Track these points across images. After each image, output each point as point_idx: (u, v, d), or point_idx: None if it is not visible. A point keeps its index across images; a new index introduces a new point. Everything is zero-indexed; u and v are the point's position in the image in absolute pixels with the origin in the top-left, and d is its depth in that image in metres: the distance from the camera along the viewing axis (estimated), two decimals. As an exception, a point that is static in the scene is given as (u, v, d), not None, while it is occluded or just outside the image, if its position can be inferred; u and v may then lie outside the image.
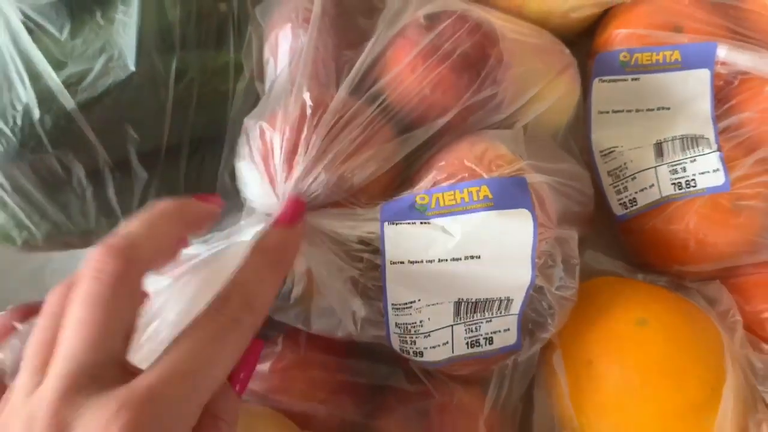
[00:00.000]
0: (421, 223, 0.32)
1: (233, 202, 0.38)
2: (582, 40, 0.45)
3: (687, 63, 0.40)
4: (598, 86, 0.42)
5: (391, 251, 0.31)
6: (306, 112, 0.32)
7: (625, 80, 0.41)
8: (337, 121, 0.32)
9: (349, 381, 0.37)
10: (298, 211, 0.31)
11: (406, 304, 0.33)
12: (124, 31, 0.36)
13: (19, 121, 0.33)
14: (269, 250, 0.28)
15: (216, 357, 0.25)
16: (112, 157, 0.36)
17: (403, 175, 0.34)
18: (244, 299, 0.26)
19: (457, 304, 0.34)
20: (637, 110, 0.41)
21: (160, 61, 0.36)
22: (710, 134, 0.39)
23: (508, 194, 0.32)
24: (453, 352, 0.35)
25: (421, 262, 0.32)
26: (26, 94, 0.34)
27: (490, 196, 0.31)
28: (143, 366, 0.25)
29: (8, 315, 0.39)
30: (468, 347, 0.35)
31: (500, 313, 0.34)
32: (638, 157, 0.40)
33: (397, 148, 0.33)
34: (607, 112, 0.42)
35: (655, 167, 0.39)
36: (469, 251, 0.31)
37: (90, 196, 0.36)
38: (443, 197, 0.32)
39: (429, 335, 0.34)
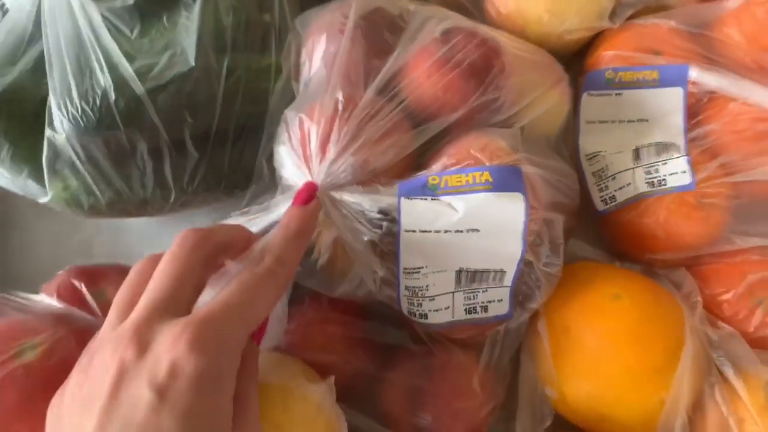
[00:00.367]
0: (432, 199, 0.38)
1: (266, 182, 0.44)
2: (575, 59, 0.51)
3: (663, 81, 0.46)
4: (586, 99, 0.48)
5: (405, 221, 0.37)
6: (338, 108, 0.38)
7: (610, 95, 0.48)
8: (364, 116, 0.38)
9: (363, 338, 0.43)
10: (310, 194, 0.37)
11: (415, 269, 0.39)
12: (187, 33, 0.42)
13: (98, 102, 0.40)
14: (292, 222, 0.34)
15: (258, 297, 0.31)
16: (171, 138, 0.42)
17: (417, 162, 0.41)
18: (276, 257, 0.32)
19: (458, 273, 0.40)
20: (620, 121, 0.48)
21: (214, 60, 0.43)
22: (681, 142, 0.45)
23: (506, 179, 0.38)
24: (453, 317, 0.41)
25: (430, 231, 0.38)
26: (104, 80, 0.40)
27: (491, 180, 0.38)
28: None
29: (66, 274, 0.45)
30: (466, 313, 0.41)
31: (495, 284, 0.40)
32: (618, 160, 0.46)
33: (413, 139, 0.40)
34: (594, 122, 0.48)
35: (632, 168, 0.45)
36: (470, 225, 0.37)
37: (150, 169, 0.43)
38: (451, 179, 0.38)
39: (433, 299, 0.40)
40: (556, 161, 0.45)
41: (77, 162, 0.41)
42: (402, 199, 0.38)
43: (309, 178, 0.38)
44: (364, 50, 0.41)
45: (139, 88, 0.40)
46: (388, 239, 0.38)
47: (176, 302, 0.30)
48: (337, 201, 0.38)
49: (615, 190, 0.46)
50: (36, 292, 0.44)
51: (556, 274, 0.41)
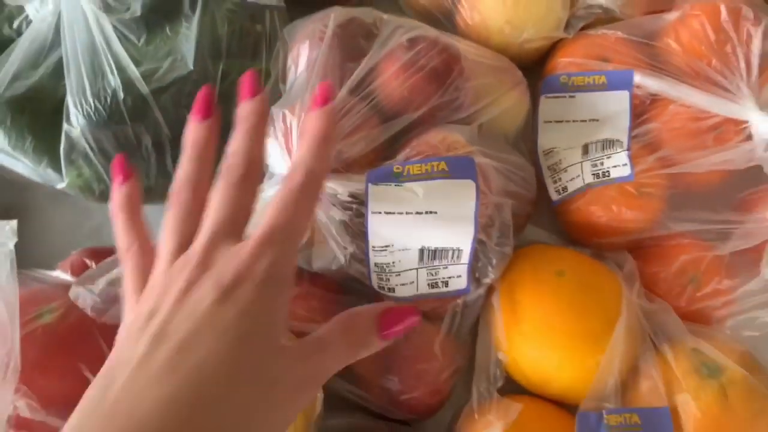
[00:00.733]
0: (396, 185, 0.43)
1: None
2: (536, 66, 0.57)
3: (611, 85, 0.52)
4: (544, 101, 0.54)
5: (372, 203, 0.43)
6: (317, 104, 0.44)
7: (564, 97, 0.53)
8: (339, 112, 0.44)
9: (340, 310, 0.49)
10: (328, 95, 0.37)
11: (382, 247, 0.45)
12: (186, 41, 0.48)
13: (108, 101, 0.46)
14: (313, 130, 0.36)
15: (297, 212, 0.34)
16: (172, 132, 0.48)
17: (386, 153, 0.46)
18: (305, 170, 0.34)
19: (421, 251, 0.45)
20: (573, 120, 0.53)
21: (211, 64, 0.49)
22: (624, 139, 0.50)
23: (460, 168, 0.44)
24: (417, 291, 0.47)
25: (394, 213, 0.43)
26: (114, 82, 0.46)
27: (446, 169, 0.43)
28: None
29: (79, 254, 0.51)
30: (429, 288, 0.47)
31: (454, 261, 0.46)
32: (570, 155, 0.52)
33: (381, 133, 0.45)
34: (551, 122, 0.54)
35: (581, 162, 0.51)
36: (429, 207, 0.43)
37: (153, 160, 0.48)
38: (413, 168, 0.44)
39: (399, 274, 0.46)
40: (512, 155, 0.50)
41: (90, 153, 0.47)
42: (370, 185, 0.44)
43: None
44: (341, 55, 0.47)
45: (144, 88, 0.47)
46: (358, 220, 0.44)
47: (236, 227, 0.33)
48: (313, 186, 0.44)
49: (566, 182, 0.52)
50: (53, 269, 0.50)
51: (507, 253, 0.47)
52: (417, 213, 0.43)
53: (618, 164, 0.49)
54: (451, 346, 0.48)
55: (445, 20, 0.57)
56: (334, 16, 0.48)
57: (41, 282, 0.47)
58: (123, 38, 0.48)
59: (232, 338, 0.29)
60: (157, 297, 0.31)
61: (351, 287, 0.49)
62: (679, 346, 0.45)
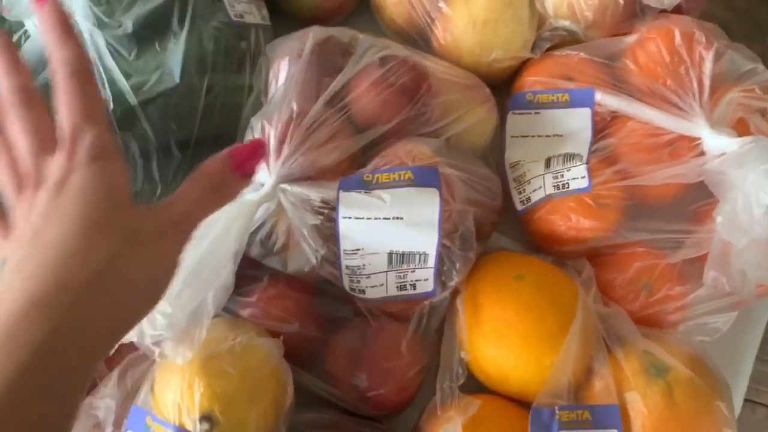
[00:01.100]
0: (365, 192, 0.47)
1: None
2: (505, 85, 0.60)
3: (574, 103, 0.55)
4: (511, 118, 0.57)
5: (343, 209, 0.46)
6: (293, 116, 0.48)
7: (530, 113, 0.56)
8: (314, 123, 0.48)
9: (314, 311, 0.51)
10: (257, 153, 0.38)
11: (353, 250, 0.48)
12: (174, 56, 0.51)
13: (99, 111, 0.49)
14: (47, 22, 0.35)
15: (84, 95, 0.34)
16: (158, 141, 0.51)
17: (359, 162, 0.50)
18: (61, 60, 0.34)
19: (390, 254, 0.48)
20: (539, 135, 0.56)
21: (196, 79, 0.52)
22: (585, 153, 0.53)
23: (425, 177, 0.47)
24: (387, 293, 0.50)
25: (363, 218, 0.46)
26: (105, 93, 0.49)
27: (412, 178, 0.47)
28: None
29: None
30: (398, 290, 0.50)
31: (420, 265, 0.49)
32: (534, 167, 0.55)
33: (354, 143, 0.49)
34: (517, 137, 0.57)
35: (543, 174, 0.54)
36: (395, 213, 0.46)
37: (140, 167, 0.51)
38: (382, 176, 0.47)
39: (369, 277, 0.49)
40: (479, 167, 0.54)
41: (81, 159, 0.50)
42: (341, 191, 0.47)
43: (268, 173, 0.47)
44: (317, 70, 0.50)
45: (133, 100, 0.50)
46: (329, 224, 0.47)
47: (44, 138, 0.34)
48: (288, 191, 0.47)
49: (530, 193, 0.55)
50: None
51: (471, 258, 0.49)
52: (385, 218, 0.46)
53: (577, 176, 0.52)
54: (418, 346, 0.50)
55: (421, 40, 0.61)
56: (312, 34, 0.52)
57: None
58: (115, 53, 0.51)
59: (72, 214, 0.31)
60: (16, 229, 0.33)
61: (324, 289, 0.52)
62: (631, 348, 0.48)
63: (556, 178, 0.53)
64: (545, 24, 0.58)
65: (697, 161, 0.51)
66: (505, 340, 0.48)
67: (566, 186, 0.53)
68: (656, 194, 0.52)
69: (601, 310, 0.50)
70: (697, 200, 0.51)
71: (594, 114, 0.55)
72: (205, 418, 0.41)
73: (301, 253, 0.49)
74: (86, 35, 0.51)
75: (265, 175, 0.48)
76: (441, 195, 0.46)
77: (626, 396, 0.46)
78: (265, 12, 0.61)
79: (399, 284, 0.49)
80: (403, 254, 0.48)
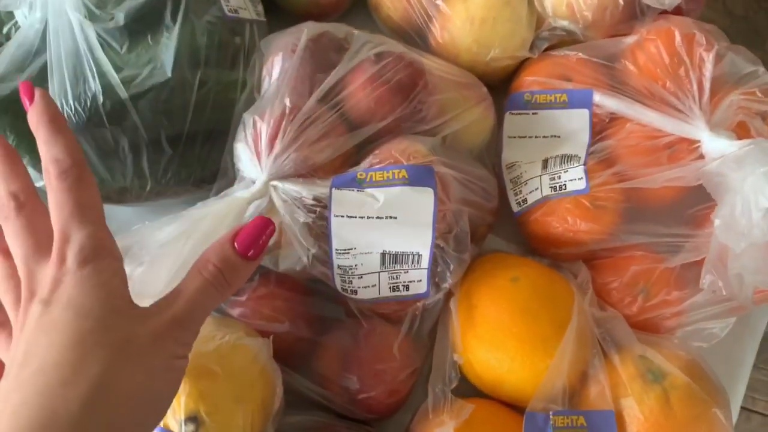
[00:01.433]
0: (358, 190, 0.46)
1: (230, 178, 0.52)
2: (503, 84, 0.60)
3: (572, 103, 0.54)
4: (509, 118, 0.56)
5: (335, 207, 0.45)
6: (285, 112, 0.47)
7: (528, 114, 0.56)
8: (307, 119, 0.47)
9: (305, 311, 0.51)
10: (31, 91, 0.38)
11: (345, 250, 0.47)
12: (166, 50, 0.51)
13: (88, 104, 0.48)
14: (40, 122, 0.36)
15: (73, 196, 0.34)
16: (148, 136, 0.50)
17: (353, 160, 0.49)
18: (52, 159, 0.35)
19: (383, 255, 0.47)
20: (536, 136, 0.56)
21: (189, 73, 0.51)
22: (582, 154, 0.53)
23: (419, 176, 0.46)
24: (379, 293, 0.49)
25: (355, 217, 0.45)
26: (95, 86, 0.48)
27: (407, 176, 0.46)
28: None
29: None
30: (390, 291, 0.49)
31: (414, 266, 0.48)
32: (530, 168, 0.54)
33: (348, 141, 0.48)
34: (515, 137, 0.56)
35: (540, 176, 0.53)
36: (389, 212, 0.45)
37: (129, 162, 0.51)
38: (375, 175, 0.46)
39: (362, 277, 0.48)
40: (475, 167, 0.53)
41: (69, 153, 0.49)
42: (333, 189, 0.46)
43: (260, 170, 0.46)
44: (311, 66, 0.49)
45: (123, 93, 0.49)
46: (321, 222, 0.46)
47: (40, 246, 0.34)
48: (279, 189, 0.46)
49: (526, 194, 0.54)
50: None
51: (465, 259, 0.49)
52: (378, 218, 0.46)
53: (574, 178, 0.52)
54: (410, 348, 0.50)
55: (418, 38, 0.60)
56: (306, 30, 0.51)
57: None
58: (106, 45, 0.50)
59: (61, 329, 0.31)
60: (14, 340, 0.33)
61: (315, 289, 0.51)
62: (627, 353, 0.47)
63: (553, 179, 0.52)
64: (544, 24, 0.58)
65: (696, 164, 0.50)
66: (499, 343, 0.47)
67: (563, 187, 0.52)
68: (655, 197, 0.51)
69: (597, 314, 0.49)
70: (696, 204, 0.50)
71: (592, 115, 0.54)
72: (191, 419, 0.40)
73: (293, 252, 0.48)
74: (76, 27, 0.50)
75: (256, 172, 0.47)
76: (436, 195, 0.46)
77: (622, 402, 0.45)
78: (260, 8, 0.60)
79: (392, 285, 0.49)
80: (396, 254, 0.47)
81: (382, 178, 0.46)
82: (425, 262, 0.47)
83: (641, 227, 0.51)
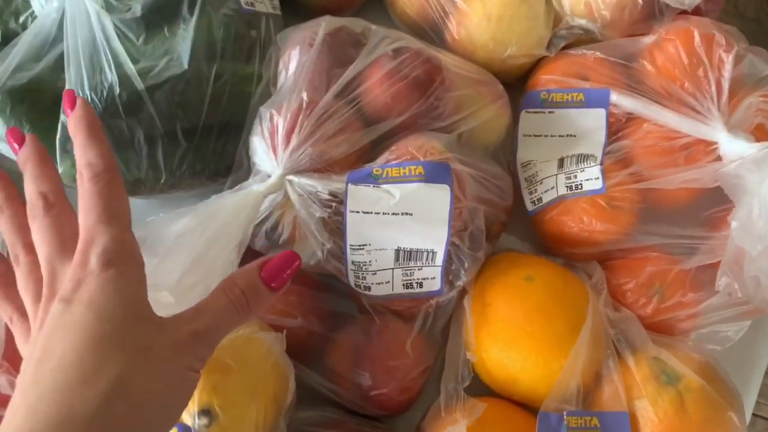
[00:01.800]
0: (374, 186, 0.45)
1: (245, 171, 0.52)
2: (519, 82, 0.59)
3: (589, 103, 0.54)
4: (524, 116, 0.56)
5: (351, 202, 0.45)
6: (302, 106, 0.46)
7: (544, 113, 0.55)
8: (323, 114, 0.46)
9: (318, 307, 0.50)
10: (74, 98, 0.40)
11: (360, 245, 0.46)
12: (183, 42, 0.50)
13: (104, 95, 0.48)
14: (78, 128, 0.38)
15: (103, 201, 0.35)
16: (164, 128, 0.50)
17: (369, 156, 0.48)
18: (86, 162, 0.36)
19: (397, 251, 0.47)
20: (552, 135, 0.55)
21: (205, 66, 0.51)
22: (599, 154, 0.52)
23: (436, 173, 0.46)
24: (392, 290, 0.49)
25: (371, 213, 0.45)
26: (111, 77, 0.48)
27: (423, 173, 0.45)
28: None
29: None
30: (404, 288, 0.49)
31: (428, 263, 0.48)
32: (546, 167, 0.54)
33: (364, 136, 0.47)
34: (530, 136, 0.56)
35: (556, 175, 0.53)
36: (404, 209, 0.45)
37: (144, 154, 0.50)
38: (391, 171, 0.46)
39: (375, 273, 0.48)
40: (490, 165, 0.52)
41: (84, 143, 0.49)
42: (349, 185, 0.45)
43: (275, 164, 0.46)
44: (328, 61, 0.49)
45: (139, 84, 0.49)
46: (336, 217, 0.46)
47: (64, 246, 0.35)
48: (295, 183, 0.46)
49: (542, 193, 0.53)
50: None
51: (480, 257, 0.48)
52: (393, 214, 0.45)
53: (591, 177, 0.51)
54: (422, 345, 0.49)
55: (434, 34, 0.60)
56: (324, 24, 0.51)
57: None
58: (122, 36, 0.50)
59: (82, 328, 0.31)
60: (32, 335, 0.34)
61: (329, 284, 0.51)
62: (641, 354, 0.47)
63: (569, 178, 0.52)
64: (561, 22, 0.57)
65: (713, 166, 0.50)
66: (512, 342, 0.46)
67: (579, 187, 0.51)
68: (671, 198, 0.51)
69: (612, 315, 0.49)
70: (713, 206, 0.50)
71: (609, 115, 0.54)
72: (204, 412, 0.40)
73: (307, 247, 0.48)
74: (93, 17, 0.50)
75: (272, 166, 0.46)
76: (452, 192, 0.45)
77: (636, 403, 0.45)
78: (276, 1, 0.60)
79: (405, 282, 0.48)
80: (410, 251, 0.47)
81: (398, 174, 0.46)
82: (440, 259, 0.47)
83: (657, 228, 0.50)
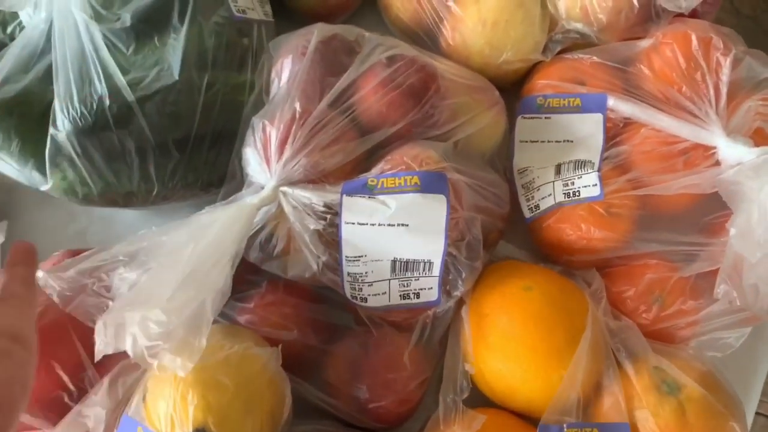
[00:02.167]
0: (369, 197, 0.45)
1: (238, 181, 0.51)
2: (515, 87, 0.59)
3: (586, 108, 0.53)
4: (521, 122, 0.55)
5: (346, 214, 0.44)
6: (295, 116, 0.46)
7: (540, 118, 0.55)
8: (317, 124, 0.46)
9: (313, 319, 0.50)
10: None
11: (355, 257, 0.46)
12: (173, 51, 0.50)
13: (94, 107, 0.47)
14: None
15: None
16: (155, 139, 0.49)
17: (364, 165, 0.48)
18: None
19: (393, 262, 0.46)
20: (549, 141, 0.55)
21: (196, 75, 0.50)
22: (596, 160, 0.52)
23: (432, 183, 0.45)
24: (389, 301, 0.48)
25: (366, 224, 0.44)
26: (101, 89, 0.47)
27: (419, 183, 0.45)
28: None
29: (61, 255, 0.52)
30: (401, 299, 0.48)
31: (425, 273, 0.47)
32: (543, 174, 0.53)
33: (358, 146, 0.47)
34: (527, 141, 0.55)
35: (553, 182, 0.52)
36: (400, 220, 0.44)
37: (136, 166, 0.50)
38: (387, 181, 0.45)
39: (372, 285, 0.47)
40: (487, 172, 0.52)
41: (75, 156, 0.48)
42: (344, 196, 0.45)
43: (269, 175, 0.46)
44: (321, 69, 0.48)
45: (130, 96, 0.48)
46: (331, 229, 0.45)
47: None
48: (289, 195, 0.45)
49: (539, 200, 0.53)
50: (34, 269, 0.51)
51: (477, 267, 0.48)
52: (389, 225, 0.45)
53: (588, 184, 0.51)
54: (420, 357, 0.49)
55: (429, 39, 0.59)
56: (317, 32, 0.50)
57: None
58: (112, 47, 0.49)
59: None
60: None
61: (324, 296, 0.50)
62: (642, 364, 0.46)
63: (567, 185, 0.52)
64: (557, 26, 0.57)
65: (712, 171, 0.49)
66: (511, 353, 0.46)
67: (577, 194, 0.51)
68: (669, 204, 0.51)
69: (611, 324, 0.48)
70: (713, 211, 0.50)
71: (606, 120, 0.53)
72: (199, 431, 0.39)
73: (302, 258, 0.47)
74: (82, 27, 0.49)
75: (265, 177, 0.46)
76: (448, 202, 0.45)
77: (636, 414, 0.44)
78: (267, 8, 0.59)
79: (402, 292, 0.48)
80: (407, 262, 0.46)
81: (393, 185, 0.45)
82: (437, 269, 0.47)
83: (656, 235, 0.50)
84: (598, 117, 0.53)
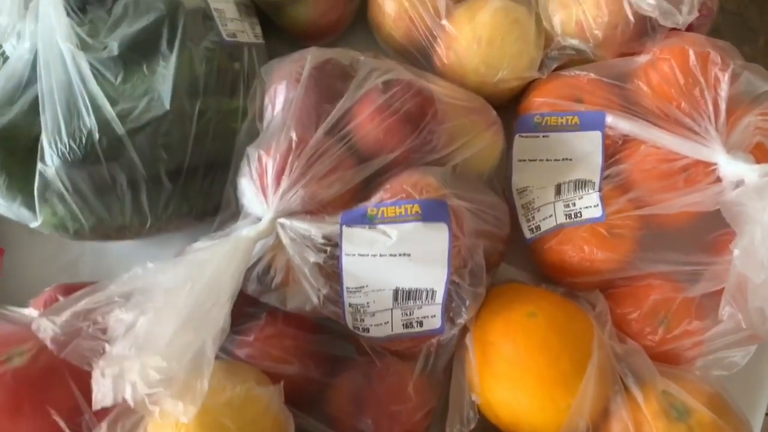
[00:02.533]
0: (369, 227, 0.44)
1: (233, 210, 0.50)
2: (511, 105, 0.58)
3: (584, 126, 0.53)
4: (518, 140, 0.55)
5: (347, 246, 0.43)
6: (292, 146, 0.45)
7: (538, 137, 0.54)
8: (314, 153, 0.45)
9: (315, 351, 0.49)
10: None
11: (356, 288, 0.45)
12: (163, 80, 0.48)
13: (83, 141, 0.46)
14: None
15: None
16: (147, 172, 0.48)
17: (362, 194, 0.47)
18: None
19: (395, 291, 0.45)
20: (547, 159, 0.54)
21: (187, 103, 0.49)
22: (596, 179, 0.51)
23: (433, 211, 0.44)
24: (392, 331, 0.47)
25: (367, 255, 0.44)
26: (90, 122, 0.46)
27: (420, 212, 0.44)
28: None
29: (53, 290, 0.51)
30: (403, 328, 0.47)
31: (428, 302, 0.46)
32: (543, 194, 0.52)
33: (356, 174, 0.46)
34: (525, 161, 0.55)
35: (553, 202, 0.52)
36: (402, 250, 0.43)
37: (128, 199, 0.48)
38: (387, 210, 0.44)
39: (374, 315, 0.46)
40: (486, 195, 0.51)
41: (64, 192, 0.47)
42: (344, 227, 0.44)
43: (266, 207, 0.44)
44: (316, 96, 0.47)
45: (120, 128, 0.46)
46: (331, 261, 0.44)
47: None
48: (287, 227, 0.44)
49: (540, 221, 0.52)
50: (26, 306, 0.50)
51: (480, 293, 0.47)
52: (390, 255, 0.44)
53: (590, 205, 0.50)
54: (425, 387, 0.48)
55: (422, 58, 0.58)
56: (310, 57, 0.49)
57: (12, 322, 0.47)
58: (99, 77, 0.48)
59: None
60: None
61: (325, 327, 0.49)
62: (650, 388, 0.45)
63: (568, 206, 0.51)
64: (552, 42, 0.56)
65: (713, 188, 0.49)
66: (518, 381, 0.45)
67: (579, 215, 0.50)
68: (672, 222, 0.50)
69: (618, 348, 0.47)
70: (715, 229, 0.49)
71: (605, 138, 0.53)
72: (203, 476, 0.38)
73: (301, 290, 0.46)
74: (68, 58, 0.48)
75: (262, 209, 0.45)
76: (450, 230, 0.44)
77: (646, 440, 0.43)
78: (258, 30, 0.58)
79: (405, 321, 0.47)
80: (409, 291, 0.45)
81: (394, 214, 0.44)
82: (440, 297, 0.46)
83: (659, 255, 0.49)
84: (596, 135, 0.53)
